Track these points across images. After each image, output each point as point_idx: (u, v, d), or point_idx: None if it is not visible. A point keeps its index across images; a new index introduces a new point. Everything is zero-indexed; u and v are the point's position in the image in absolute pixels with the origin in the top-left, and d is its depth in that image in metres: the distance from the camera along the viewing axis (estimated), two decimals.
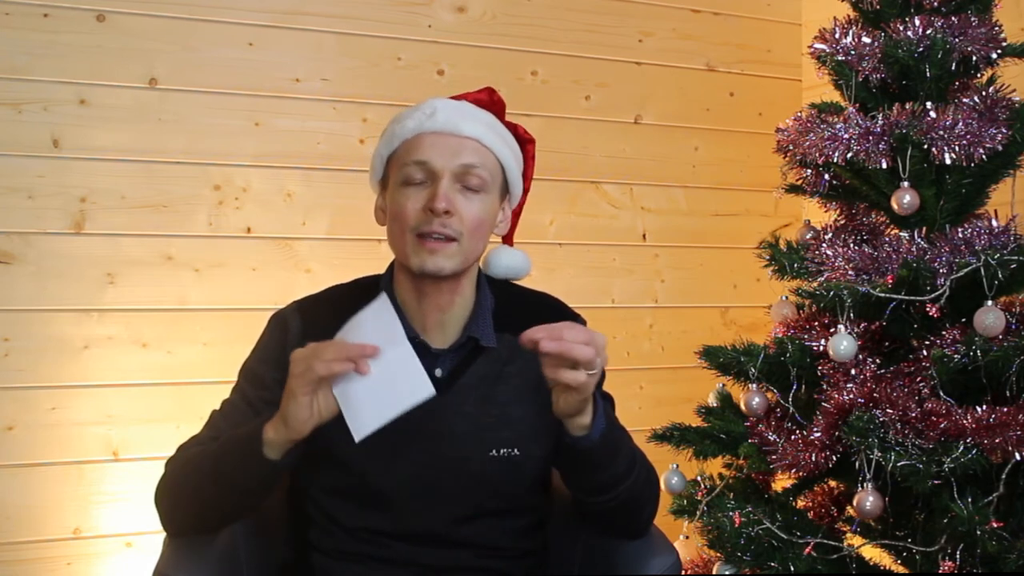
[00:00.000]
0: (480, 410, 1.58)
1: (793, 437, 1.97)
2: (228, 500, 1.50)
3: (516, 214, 1.71)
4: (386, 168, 1.60)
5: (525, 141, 1.68)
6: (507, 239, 1.72)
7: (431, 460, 1.56)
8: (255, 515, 1.58)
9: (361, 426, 1.40)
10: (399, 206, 1.54)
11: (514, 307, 1.67)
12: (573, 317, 1.71)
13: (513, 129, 1.66)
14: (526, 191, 1.72)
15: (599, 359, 1.39)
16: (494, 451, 1.57)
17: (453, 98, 1.64)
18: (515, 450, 1.58)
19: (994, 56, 2.03)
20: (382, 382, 1.39)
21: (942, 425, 1.81)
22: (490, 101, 1.65)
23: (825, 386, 1.98)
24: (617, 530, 1.64)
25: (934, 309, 1.91)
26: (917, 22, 2.01)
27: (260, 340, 1.64)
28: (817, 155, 2.01)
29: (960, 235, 1.94)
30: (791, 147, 2.11)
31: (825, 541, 1.96)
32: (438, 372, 1.58)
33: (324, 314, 1.60)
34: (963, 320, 1.94)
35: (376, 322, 1.43)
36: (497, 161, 1.59)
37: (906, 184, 1.97)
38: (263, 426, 1.43)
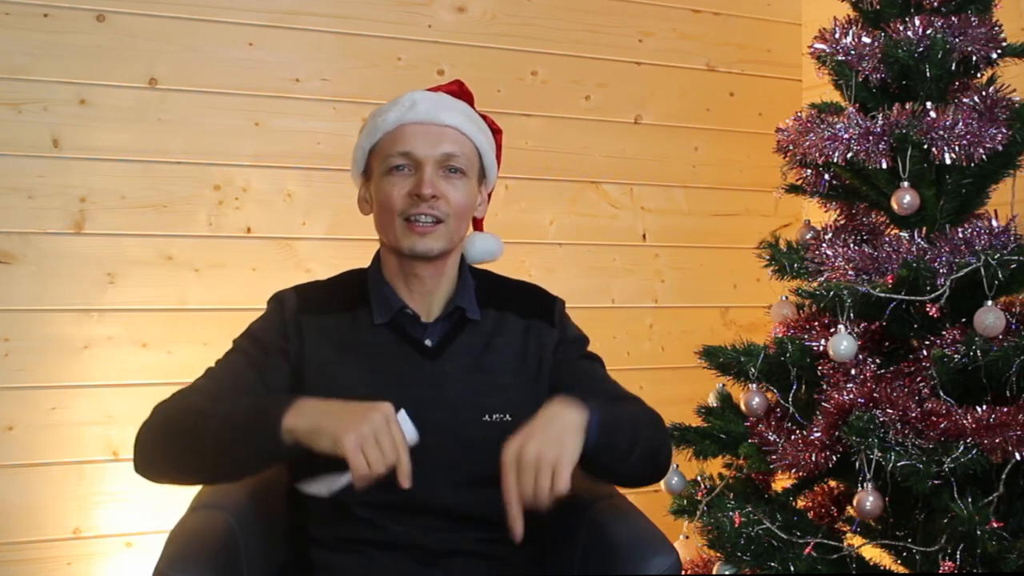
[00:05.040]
0: (471, 377, 1.64)
1: (793, 437, 1.97)
2: (226, 460, 1.49)
3: (488, 195, 1.78)
4: (368, 160, 1.68)
5: (494, 132, 1.75)
6: (480, 222, 1.80)
7: (428, 426, 1.56)
8: (232, 482, 1.60)
9: (313, 487, 1.48)
10: (385, 194, 1.62)
11: (494, 287, 1.76)
12: (551, 300, 1.78)
13: (482, 118, 1.73)
14: None
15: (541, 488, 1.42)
16: (487, 416, 1.62)
17: (427, 88, 1.71)
18: (507, 416, 1.62)
19: (994, 56, 2.03)
20: None
21: (942, 425, 1.81)
22: (461, 92, 1.73)
23: (825, 386, 1.98)
24: (641, 482, 1.68)
25: (934, 309, 1.91)
26: (917, 22, 2.01)
27: (260, 316, 1.71)
28: (817, 155, 2.01)
29: (960, 235, 1.94)
30: (791, 147, 2.11)
31: (825, 541, 1.96)
32: (428, 342, 1.66)
33: (318, 294, 1.71)
34: (963, 320, 1.94)
35: None
36: (475, 148, 1.67)
37: (906, 184, 1.97)
38: (284, 410, 1.42)
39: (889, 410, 1.85)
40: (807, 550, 1.95)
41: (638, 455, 1.60)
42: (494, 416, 1.62)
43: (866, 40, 2.05)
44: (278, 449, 1.44)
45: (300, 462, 1.60)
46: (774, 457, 1.98)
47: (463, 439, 1.61)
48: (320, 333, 1.64)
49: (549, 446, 1.43)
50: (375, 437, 1.39)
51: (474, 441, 1.61)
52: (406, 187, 1.61)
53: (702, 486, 2.16)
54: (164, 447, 1.54)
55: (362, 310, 1.67)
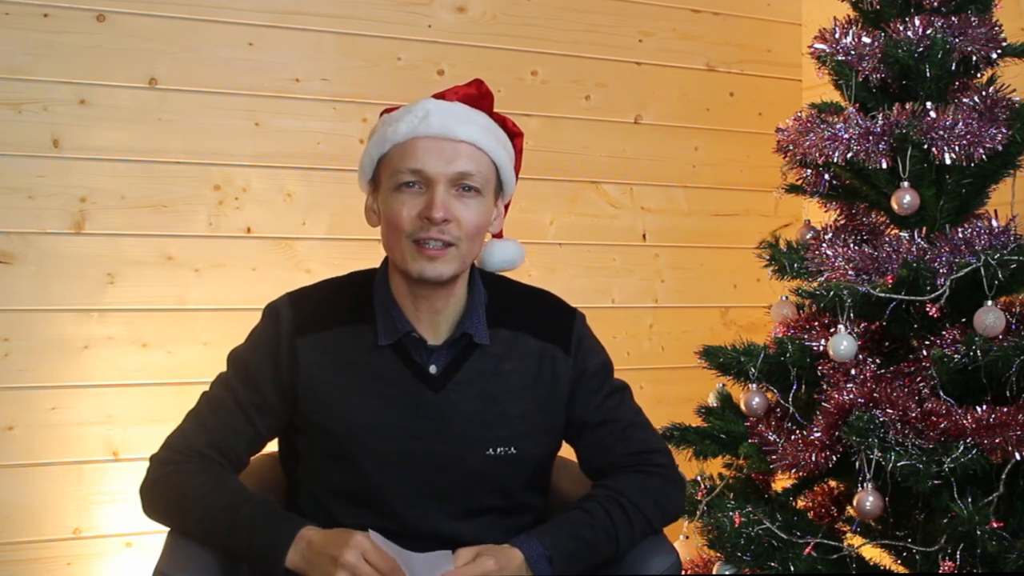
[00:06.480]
0: (477, 407, 1.58)
1: (793, 437, 1.97)
2: (224, 554, 1.51)
3: (505, 207, 1.69)
4: (377, 169, 1.58)
5: (514, 135, 1.65)
6: (498, 232, 1.70)
7: (430, 458, 1.56)
8: None
9: None
10: (394, 212, 1.52)
11: (508, 301, 1.66)
12: (569, 320, 1.69)
13: (502, 123, 1.64)
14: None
15: None
16: (491, 450, 1.57)
17: (443, 93, 1.62)
18: (512, 448, 1.58)
19: (994, 56, 2.03)
20: None
21: (942, 425, 1.81)
22: (479, 95, 1.62)
23: (825, 386, 1.98)
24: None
25: (934, 309, 1.91)
26: (917, 22, 2.01)
27: (254, 331, 1.63)
28: (817, 155, 2.01)
29: (960, 235, 1.94)
30: (791, 147, 2.11)
31: (825, 541, 1.96)
32: (432, 368, 1.58)
33: (316, 308, 1.61)
34: (963, 320, 1.94)
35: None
36: (492, 162, 1.57)
37: (906, 184, 1.97)
38: (284, 552, 1.43)
39: (889, 410, 1.85)
40: (807, 550, 1.95)
41: (625, 550, 1.56)
42: (498, 450, 1.57)
43: (866, 40, 2.05)
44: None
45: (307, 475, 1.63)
46: (774, 457, 1.98)
47: (464, 472, 1.57)
48: (317, 352, 1.57)
49: None
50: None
51: (476, 474, 1.58)
52: (416, 207, 1.50)
53: (702, 486, 2.17)
54: (168, 521, 1.55)
55: (365, 326, 1.58)
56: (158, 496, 1.55)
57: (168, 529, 1.55)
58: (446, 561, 1.44)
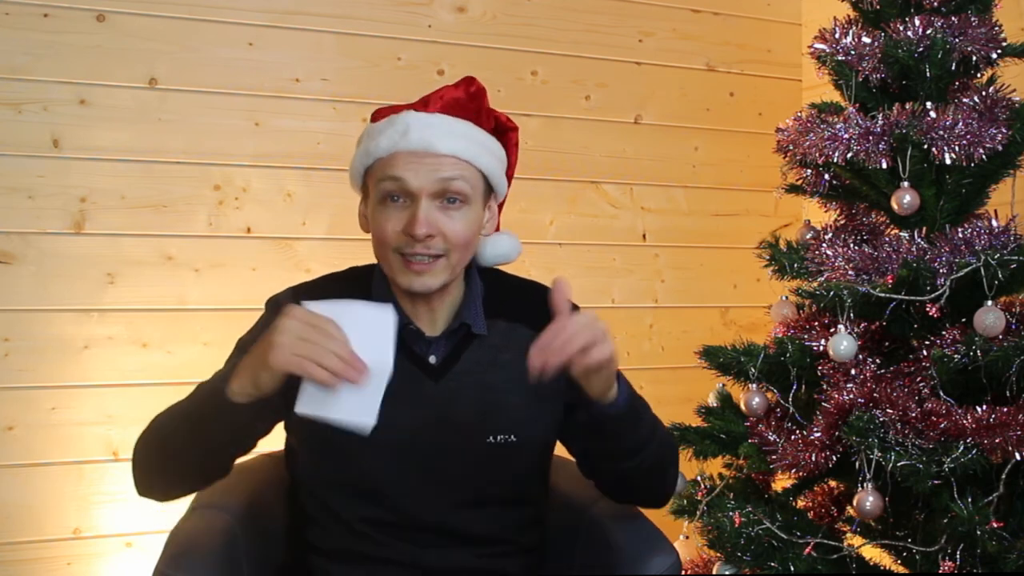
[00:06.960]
0: (477, 396, 1.59)
1: (793, 437, 1.97)
2: (197, 453, 1.48)
3: (500, 206, 1.69)
4: (364, 178, 1.59)
5: (508, 129, 1.64)
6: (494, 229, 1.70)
7: (429, 447, 1.56)
8: (224, 476, 1.54)
9: (304, 404, 1.36)
10: (379, 225, 1.53)
11: (505, 293, 1.67)
12: None
13: (495, 119, 1.63)
14: (511, 177, 1.68)
15: (600, 334, 1.38)
16: (491, 438, 1.58)
17: (426, 99, 1.60)
18: (512, 436, 1.59)
19: (994, 56, 2.03)
20: (345, 385, 1.35)
21: (942, 425, 1.81)
22: (467, 96, 1.60)
23: (825, 386, 1.98)
24: (642, 495, 1.65)
25: (934, 309, 1.91)
26: (917, 22, 2.01)
27: (257, 322, 1.65)
28: (817, 155, 2.01)
29: (960, 235, 1.94)
30: (791, 147, 2.11)
31: (825, 541, 1.96)
32: (432, 359, 1.59)
33: (318, 300, 1.60)
34: (963, 320, 1.94)
35: (375, 331, 1.37)
36: (477, 171, 1.56)
37: (906, 184, 1.97)
38: (228, 381, 1.40)
39: (889, 410, 1.85)
40: (807, 550, 1.95)
41: (651, 457, 1.58)
42: (498, 437, 1.58)
43: (866, 40, 2.05)
44: (242, 418, 1.41)
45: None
46: (774, 457, 1.98)
47: (465, 461, 1.58)
48: None
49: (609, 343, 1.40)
50: (298, 338, 1.32)
51: (476, 463, 1.58)
52: (400, 222, 1.51)
53: (702, 486, 2.17)
54: (147, 459, 1.55)
55: None
56: (139, 443, 1.55)
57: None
58: (386, 314, 1.38)
